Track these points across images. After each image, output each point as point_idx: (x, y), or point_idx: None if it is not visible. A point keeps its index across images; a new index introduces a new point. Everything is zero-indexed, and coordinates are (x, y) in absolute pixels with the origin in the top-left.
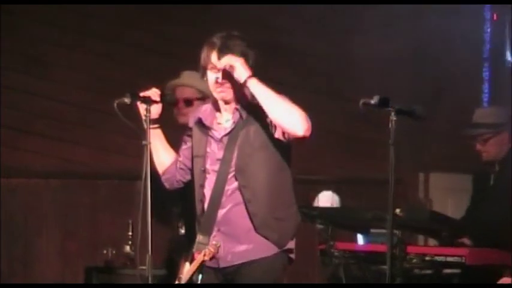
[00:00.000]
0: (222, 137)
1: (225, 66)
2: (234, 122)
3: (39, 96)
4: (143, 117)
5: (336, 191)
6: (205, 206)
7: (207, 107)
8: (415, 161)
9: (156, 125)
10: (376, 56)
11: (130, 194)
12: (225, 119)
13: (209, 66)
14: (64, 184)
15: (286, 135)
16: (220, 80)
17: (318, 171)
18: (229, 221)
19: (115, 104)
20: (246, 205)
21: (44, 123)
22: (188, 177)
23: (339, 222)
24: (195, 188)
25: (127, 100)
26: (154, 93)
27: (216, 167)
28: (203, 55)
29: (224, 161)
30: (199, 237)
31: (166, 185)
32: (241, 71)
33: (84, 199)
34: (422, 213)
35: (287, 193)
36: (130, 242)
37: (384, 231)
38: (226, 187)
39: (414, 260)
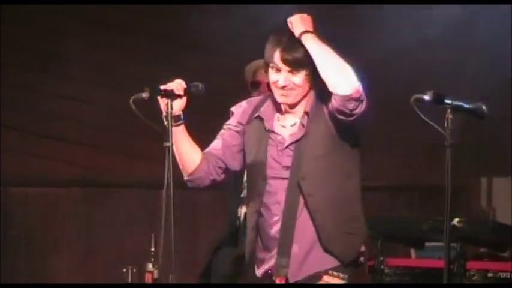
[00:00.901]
0: (289, 144)
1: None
2: (303, 127)
3: (57, 96)
4: (164, 114)
5: (388, 199)
6: (275, 222)
7: (268, 103)
8: (477, 165)
9: (179, 122)
10: (435, 55)
11: (155, 204)
12: (290, 122)
13: (271, 64)
14: (85, 194)
15: (338, 103)
16: (282, 84)
17: (367, 177)
18: (303, 236)
19: (131, 101)
20: (311, 216)
21: (62, 126)
22: (223, 176)
23: (390, 234)
24: (244, 196)
25: (145, 95)
26: (177, 85)
27: (282, 174)
28: (266, 50)
29: (294, 170)
30: (280, 260)
31: (193, 185)
32: (297, 24)
33: (106, 210)
34: (485, 224)
35: (356, 203)
36: (153, 259)
37: (441, 244)
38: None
39: (475, 277)
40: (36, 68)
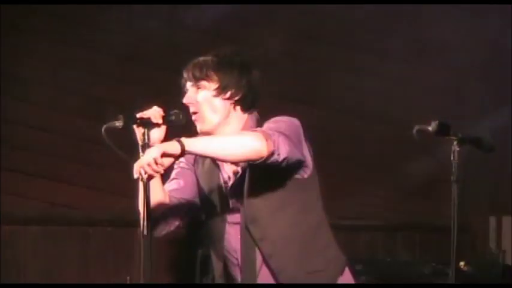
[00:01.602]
0: (233, 183)
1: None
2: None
3: (16, 124)
4: (140, 143)
5: (384, 239)
6: (236, 272)
7: None
8: (485, 202)
9: None
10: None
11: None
12: None
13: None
14: (46, 232)
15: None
16: (184, 100)
17: (361, 215)
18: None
19: (103, 129)
20: (266, 262)
21: (23, 157)
22: (182, 220)
23: (387, 279)
24: (206, 240)
25: (118, 123)
26: (155, 112)
27: (234, 218)
28: None
29: (242, 212)
30: None
31: (157, 232)
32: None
33: (71, 250)
34: (494, 267)
35: (319, 236)
36: None
37: None
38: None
39: None
40: None
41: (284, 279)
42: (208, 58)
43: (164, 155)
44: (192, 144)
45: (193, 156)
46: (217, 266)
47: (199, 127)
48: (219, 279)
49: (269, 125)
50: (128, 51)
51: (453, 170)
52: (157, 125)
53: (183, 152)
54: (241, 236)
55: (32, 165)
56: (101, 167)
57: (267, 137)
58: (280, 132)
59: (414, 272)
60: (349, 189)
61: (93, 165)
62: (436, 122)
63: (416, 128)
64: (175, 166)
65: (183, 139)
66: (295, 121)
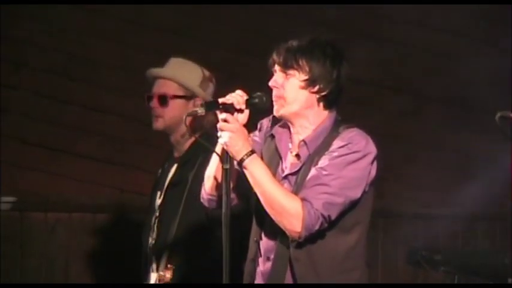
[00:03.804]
0: (288, 175)
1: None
2: (298, 158)
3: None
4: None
5: (465, 228)
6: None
7: (284, 122)
8: None
9: None
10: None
11: None
12: (295, 147)
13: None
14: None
15: None
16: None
17: (442, 204)
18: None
19: (184, 117)
20: (291, 264)
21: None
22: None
23: (467, 268)
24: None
25: (200, 111)
26: (238, 97)
27: None
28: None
29: None
30: None
31: (212, 204)
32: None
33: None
34: None
35: (351, 257)
36: None
37: None
38: None
39: None
40: None
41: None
42: (303, 44)
43: (225, 152)
44: (250, 167)
45: (268, 132)
46: (252, 248)
47: (275, 110)
48: (251, 264)
49: (320, 180)
50: None
51: None
52: (241, 110)
53: (239, 163)
54: (276, 250)
55: (101, 151)
56: None
57: (305, 217)
58: (325, 202)
59: (494, 261)
60: (429, 178)
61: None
62: None
63: (498, 114)
64: (249, 137)
65: (253, 156)
66: (360, 163)
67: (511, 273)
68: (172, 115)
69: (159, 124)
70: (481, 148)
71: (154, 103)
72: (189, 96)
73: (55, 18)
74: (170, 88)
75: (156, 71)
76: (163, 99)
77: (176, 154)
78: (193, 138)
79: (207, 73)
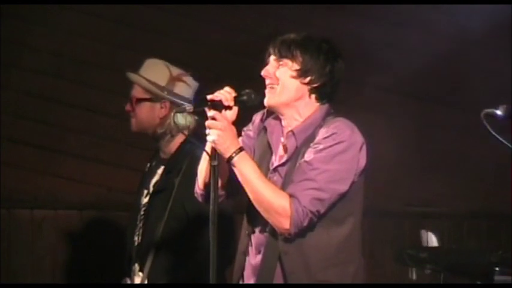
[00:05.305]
0: (277, 166)
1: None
2: (284, 151)
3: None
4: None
5: (452, 226)
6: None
7: (276, 115)
8: None
9: None
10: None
11: None
12: (284, 138)
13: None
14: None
15: None
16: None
17: (428, 203)
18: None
19: (172, 114)
20: (280, 257)
21: (81, 141)
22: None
23: (454, 267)
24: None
25: (188, 108)
26: (226, 94)
27: None
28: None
29: None
30: None
31: (204, 199)
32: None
33: None
34: None
35: (343, 250)
36: None
37: None
38: None
39: None
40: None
41: (292, 282)
42: (298, 37)
43: (214, 150)
44: (239, 164)
45: (261, 126)
46: (244, 241)
47: (267, 99)
48: (241, 257)
49: (305, 175)
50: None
51: None
52: (229, 107)
53: (227, 161)
54: (267, 242)
55: (89, 150)
56: None
57: (293, 214)
58: (313, 198)
59: (481, 260)
60: (416, 177)
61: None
62: (505, 106)
63: (484, 112)
64: (243, 131)
65: (241, 154)
66: (346, 154)
67: (498, 272)
68: (141, 117)
69: (132, 126)
70: (465, 147)
71: (127, 106)
72: (154, 99)
73: (45, 19)
74: (137, 91)
75: (127, 74)
76: (133, 102)
77: (162, 155)
78: (179, 139)
79: (175, 73)
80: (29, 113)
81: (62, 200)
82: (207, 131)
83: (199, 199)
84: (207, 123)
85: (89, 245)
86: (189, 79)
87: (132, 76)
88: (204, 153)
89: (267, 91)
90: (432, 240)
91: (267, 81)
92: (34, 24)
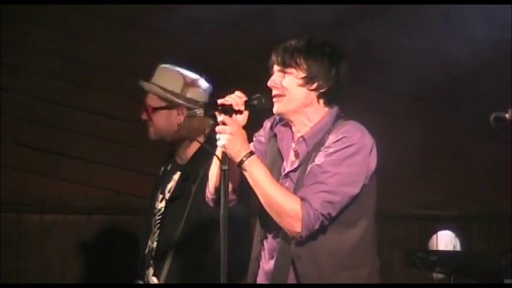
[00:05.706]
0: (288, 172)
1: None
2: (296, 157)
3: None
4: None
5: (460, 230)
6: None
7: (286, 121)
8: None
9: None
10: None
11: None
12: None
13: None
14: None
15: None
16: (268, 83)
17: (435, 206)
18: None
19: (183, 118)
20: (293, 262)
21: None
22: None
23: (464, 270)
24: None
25: (199, 112)
26: (237, 99)
27: None
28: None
29: None
30: None
31: (216, 204)
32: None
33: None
34: None
35: (355, 254)
36: None
37: None
38: None
39: None
40: None
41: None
42: (300, 43)
43: (224, 154)
44: (249, 168)
45: (271, 132)
46: (256, 247)
47: (275, 108)
48: (255, 262)
49: (317, 178)
50: None
51: None
52: (239, 112)
53: (238, 165)
54: (279, 248)
55: (97, 153)
56: None
57: (304, 217)
58: (324, 200)
59: (490, 263)
60: (425, 180)
61: (160, 152)
62: None
63: (493, 115)
64: (254, 137)
65: (252, 158)
66: (356, 157)
67: (508, 274)
68: (159, 126)
69: (151, 134)
70: (474, 148)
71: (144, 115)
72: (170, 106)
73: (52, 21)
74: (152, 100)
75: (140, 83)
76: (149, 111)
77: (178, 160)
78: (196, 145)
79: (189, 78)
80: (37, 116)
81: (70, 204)
82: (217, 136)
83: (210, 203)
84: (217, 128)
85: (98, 250)
86: (202, 83)
87: (146, 85)
88: (215, 158)
89: (274, 100)
90: (455, 244)
91: (274, 92)
92: (41, 26)
